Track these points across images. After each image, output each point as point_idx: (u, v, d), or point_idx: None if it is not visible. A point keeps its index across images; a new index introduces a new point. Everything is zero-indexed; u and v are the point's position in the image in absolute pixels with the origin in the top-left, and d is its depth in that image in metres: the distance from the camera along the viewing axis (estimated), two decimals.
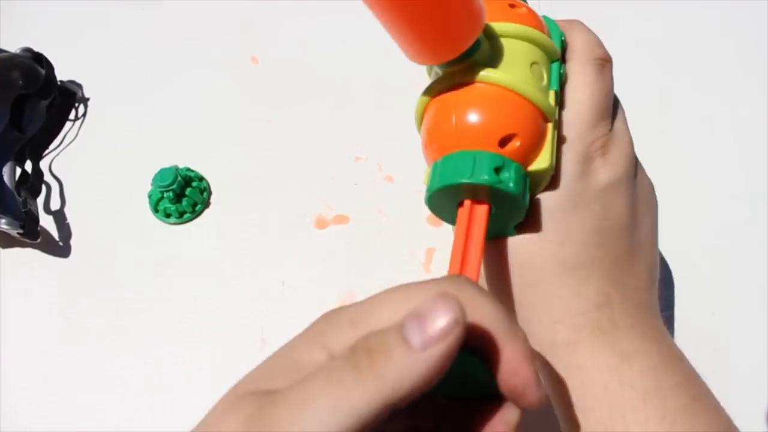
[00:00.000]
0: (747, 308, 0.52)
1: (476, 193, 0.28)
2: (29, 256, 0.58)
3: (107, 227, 0.59)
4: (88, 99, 0.66)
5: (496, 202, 0.28)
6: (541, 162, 0.28)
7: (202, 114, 0.64)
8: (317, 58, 0.66)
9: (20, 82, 0.59)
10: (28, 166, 0.61)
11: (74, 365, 0.53)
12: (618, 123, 0.35)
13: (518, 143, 0.28)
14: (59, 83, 0.64)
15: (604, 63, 0.33)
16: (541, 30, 0.31)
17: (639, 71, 0.63)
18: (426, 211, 0.59)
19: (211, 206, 0.59)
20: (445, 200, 0.29)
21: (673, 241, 0.55)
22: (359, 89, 0.64)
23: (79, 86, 0.67)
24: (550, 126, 0.29)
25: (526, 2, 0.34)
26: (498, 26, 0.30)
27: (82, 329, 0.55)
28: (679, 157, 0.59)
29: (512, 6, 0.31)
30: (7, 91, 0.59)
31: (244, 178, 0.60)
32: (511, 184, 0.27)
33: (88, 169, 0.63)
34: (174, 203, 0.57)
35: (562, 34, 0.34)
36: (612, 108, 0.34)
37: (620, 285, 0.31)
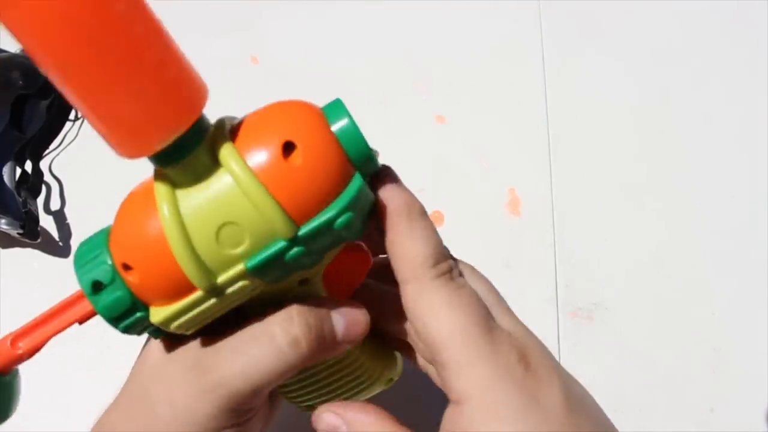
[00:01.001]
0: (747, 308, 0.52)
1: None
2: (29, 256, 0.58)
3: None
4: None
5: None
6: (156, 314, 0.25)
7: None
8: (317, 58, 0.66)
9: (20, 82, 0.59)
10: (28, 166, 0.61)
11: (74, 365, 0.53)
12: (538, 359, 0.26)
13: (136, 278, 0.25)
14: None
15: (449, 271, 0.27)
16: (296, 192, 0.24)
17: (639, 71, 0.63)
18: (426, 211, 0.59)
19: None
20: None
21: (672, 241, 0.55)
22: (359, 89, 0.64)
23: None
24: (199, 292, 0.24)
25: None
26: (233, 159, 0.23)
27: (82, 329, 0.54)
28: (679, 157, 0.59)
29: (287, 149, 0.24)
30: (7, 91, 0.59)
31: None
32: (102, 304, 0.25)
33: (88, 169, 0.63)
34: None
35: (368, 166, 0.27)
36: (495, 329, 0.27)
37: None
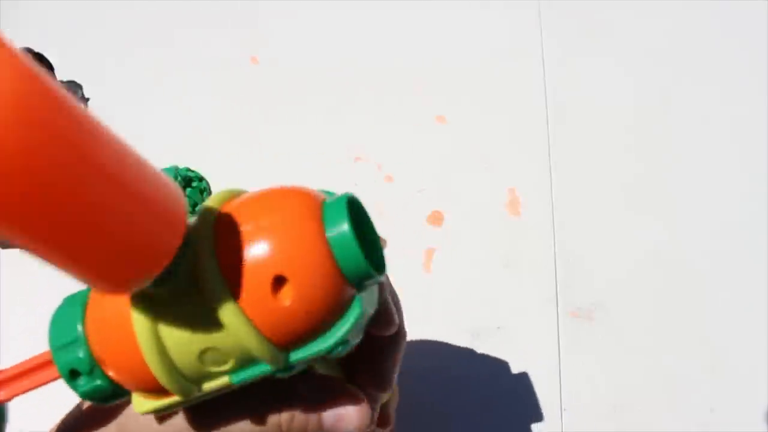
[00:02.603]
0: (747, 308, 0.52)
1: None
2: (29, 256, 0.58)
3: None
4: (88, 99, 0.66)
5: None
6: (139, 406, 0.24)
7: (202, 114, 0.64)
8: (317, 58, 0.66)
9: None
10: None
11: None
12: None
13: (115, 377, 0.24)
14: (59, 83, 0.64)
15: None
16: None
17: (639, 71, 0.63)
18: (426, 211, 0.60)
19: None
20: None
21: (672, 241, 0.55)
22: (359, 89, 0.64)
23: (79, 86, 0.67)
24: (176, 398, 0.24)
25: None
26: (217, 291, 0.21)
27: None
28: (679, 157, 0.59)
29: (277, 283, 0.22)
30: None
31: (244, 178, 0.60)
32: (81, 390, 0.24)
33: None
34: None
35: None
36: None
37: None
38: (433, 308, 0.53)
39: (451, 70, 0.64)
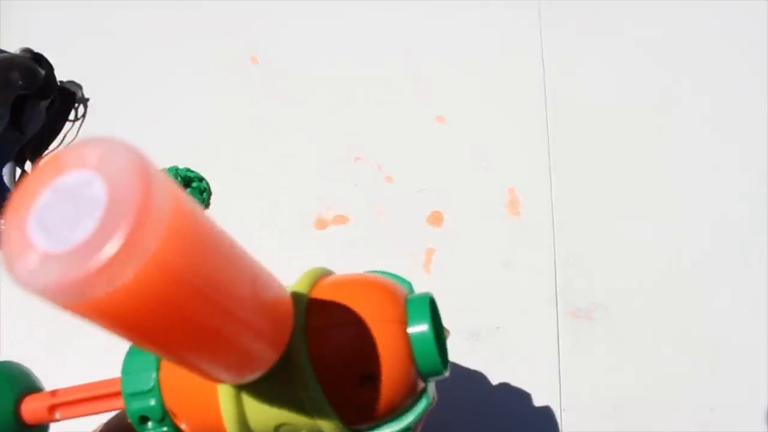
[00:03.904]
0: (747, 309, 0.52)
1: None
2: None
3: None
4: (88, 99, 0.66)
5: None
6: None
7: (202, 114, 0.64)
8: (317, 58, 0.66)
9: (20, 82, 0.59)
10: (28, 166, 0.61)
11: (74, 365, 0.53)
12: None
13: (183, 425, 0.26)
14: (59, 83, 0.64)
15: None
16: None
17: (639, 71, 0.63)
18: (426, 211, 0.60)
19: (210, 207, 0.59)
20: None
21: (672, 242, 0.55)
22: (359, 89, 0.64)
23: (79, 86, 0.67)
24: None
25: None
26: (308, 383, 0.23)
27: (82, 329, 0.54)
28: (678, 157, 0.59)
29: (362, 382, 0.24)
30: (7, 92, 0.59)
31: (243, 178, 0.60)
32: None
33: None
34: None
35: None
36: None
37: None
38: None
39: (451, 70, 0.64)
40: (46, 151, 0.64)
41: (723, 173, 0.58)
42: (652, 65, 0.64)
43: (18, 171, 0.60)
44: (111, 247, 0.13)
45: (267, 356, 0.22)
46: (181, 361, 0.20)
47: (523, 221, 0.56)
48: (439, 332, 0.26)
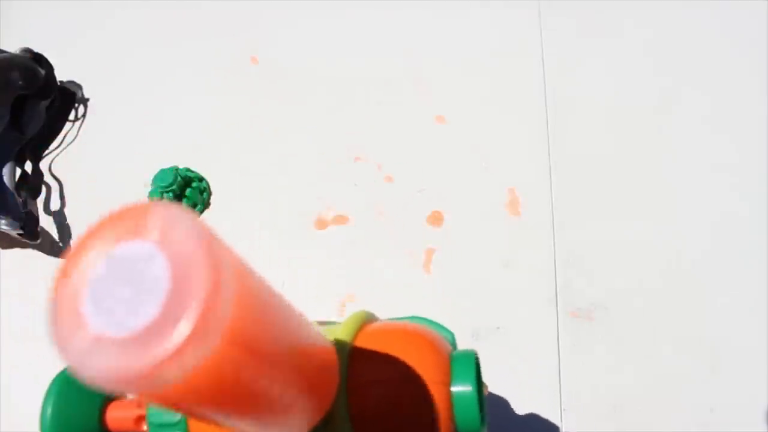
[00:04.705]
0: (747, 309, 0.52)
1: None
2: (29, 256, 0.58)
3: None
4: (88, 99, 0.66)
5: None
6: None
7: (202, 114, 0.64)
8: (317, 58, 0.66)
9: (20, 82, 0.59)
10: (28, 166, 0.61)
11: None
12: None
13: None
14: (59, 83, 0.64)
15: None
16: None
17: (639, 71, 0.63)
18: (426, 211, 0.60)
19: (210, 206, 0.59)
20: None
21: (672, 242, 0.55)
22: (359, 89, 0.64)
23: (79, 86, 0.67)
24: None
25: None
26: None
27: None
28: (678, 157, 0.59)
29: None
30: (7, 92, 0.59)
31: (243, 178, 0.60)
32: None
33: (88, 169, 0.63)
34: None
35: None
36: None
37: None
38: (433, 308, 0.53)
39: (451, 70, 0.64)
40: (46, 152, 0.64)
41: (723, 173, 0.58)
42: (652, 65, 0.64)
43: (18, 171, 0.60)
44: (181, 333, 0.12)
45: (313, 417, 0.22)
46: (234, 425, 0.19)
47: (523, 221, 0.56)
48: (479, 389, 0.26)
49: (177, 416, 0.25)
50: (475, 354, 0.25)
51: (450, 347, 0.26)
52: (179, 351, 0.12)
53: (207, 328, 0.13)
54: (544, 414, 0.49)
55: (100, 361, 0.12)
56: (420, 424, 0.23)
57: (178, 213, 0.14)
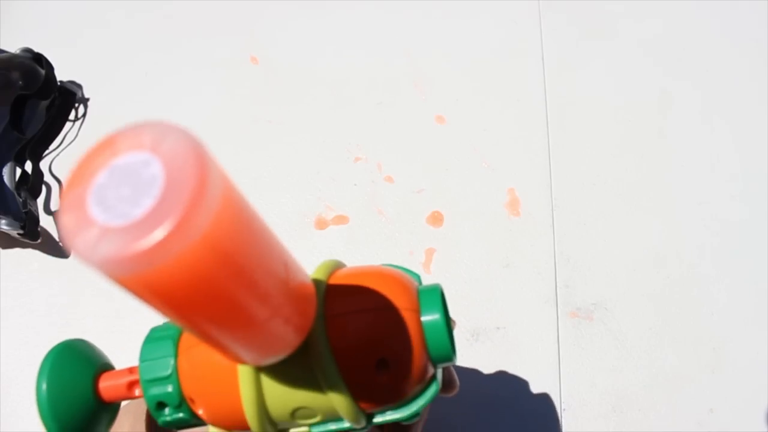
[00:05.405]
0: (747, 308, 0.52)
1: None
2: (29, 256, 0.58)
3: None
4: (88, 99, 0.66)
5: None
6: None
7: (202, 114, 0.64)
8: (317, 58, 0.66)
9: (20, 82, 0.59)
10: (28, 166, 0.61)
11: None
12: None
13: (203, 414, 0.27)
14: (59, 83, 0.64)
15: None
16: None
17: (639, 71, 0.63)
18: (426, 211, 0.60)
19: None
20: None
21: (672, 241, 0.55)
22: (359, 89, 0.64)
23: (79, 86, 0.67)
24: None
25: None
26: (327, 369, 0.24)
27: (82, 329, 0.55)
28: (678, 157, 0.59)
29: (378, 366, 0.25)
30: (7, 92, 0.59)
31: (243, 178, 0.60)
32: (164, 420, 0.26)
33: None
34: None
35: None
36: None
37: None
38: None
39: (451, 69, 0.64)
40: (46, 152, 0.64)
41: (723, 173, 0.58)
42: (652, 65, 0.64)
43: (18, 171, 0.60)
44: (167, 225, 0.14)
45: (292, 340, 0.22)
46: (211, 338, 0.20)
47: (523, 221, 0.56)
48: (447, 318, 0.27)
49: (168, 369, 0.26)
50: (440, 287, 0.27)
51: (416, 283, 0.28)
52: (163, 241, 0.14)
53: (189, 225, 0.14)
54: (544, 414, 0.49)
55: (104, 249, 0.14)
56: (395, 349, 0.25)
57: (171, 127, 0.16)
